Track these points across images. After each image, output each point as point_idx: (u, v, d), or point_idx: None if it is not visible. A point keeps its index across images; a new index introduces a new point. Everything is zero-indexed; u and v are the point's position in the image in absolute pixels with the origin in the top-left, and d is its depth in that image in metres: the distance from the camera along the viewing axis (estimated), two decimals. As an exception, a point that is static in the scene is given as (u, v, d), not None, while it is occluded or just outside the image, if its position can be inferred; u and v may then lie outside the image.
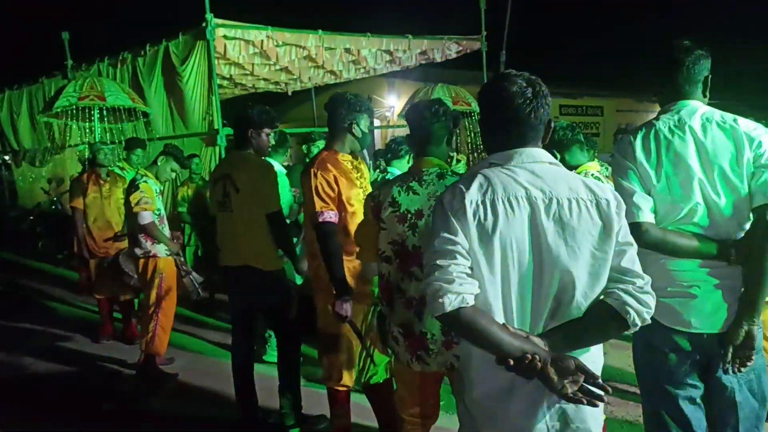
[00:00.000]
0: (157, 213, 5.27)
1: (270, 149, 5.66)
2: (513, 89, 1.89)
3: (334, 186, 3.42)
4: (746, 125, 2.42)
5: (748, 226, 2.41)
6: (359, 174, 3.61)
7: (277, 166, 5.51)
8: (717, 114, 2.46)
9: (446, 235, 1.82)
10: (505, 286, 1.83)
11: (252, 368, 4.25)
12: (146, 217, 5.12)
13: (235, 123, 4.16)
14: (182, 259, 5.54)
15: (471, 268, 1.80)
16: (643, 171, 2.44)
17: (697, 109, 2.47)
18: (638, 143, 2.47)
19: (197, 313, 7.16)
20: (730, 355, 2.38)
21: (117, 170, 6.52)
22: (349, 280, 3.42)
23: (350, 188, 3.47)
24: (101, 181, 6.40)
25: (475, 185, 1.86)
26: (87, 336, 6.57)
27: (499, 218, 1.81)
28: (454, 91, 10.31)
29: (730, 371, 2.41)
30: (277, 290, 4.06)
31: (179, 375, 5.37)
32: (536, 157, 1.91)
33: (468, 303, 1.75)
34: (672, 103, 2.52)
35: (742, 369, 2.40)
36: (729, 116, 2.46)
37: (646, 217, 2.40)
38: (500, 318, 1.82)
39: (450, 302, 1.74)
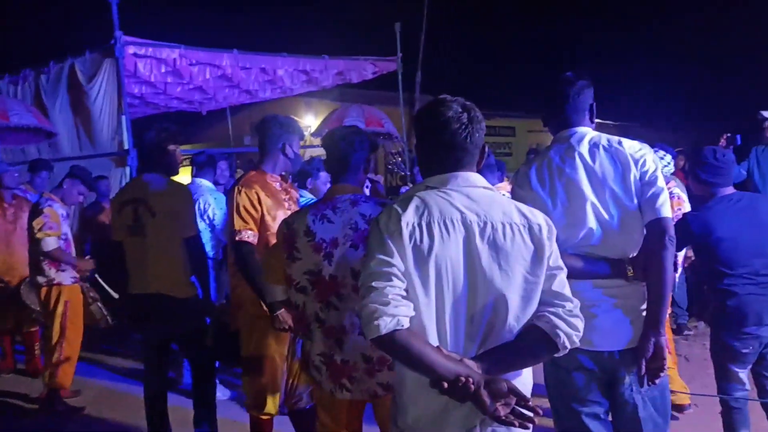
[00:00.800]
0: (63, 238, 5.03)
1: (198, 169, 5.57)
2: (449, 114, 1.91)
3: (257, 206, 3.35)
4: (630, 146, 2.54)
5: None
6: (288, 196, 3.56)
7: (208, 184, 5.44)
8: (603, 138, 2.57)
9: (382, 256, 1.81)
10: (440, 309, 1.82)
11: (166, 400, 4.06)
12: (50, 244, 4.88)
13: (138, 145, 4.03)
14: (88, 285, 5.30)
15: (406, 291, 1.79)
16: (539, 200, 2.51)
17: (584, 135, 2.59)
18: (533, 173, 2.58)
19: (106, 343, 6.85)
20: (643, 368, 2.45)
21: (20, 194, 6.17)
22: None
23: (277, 208, 3.42)
24: (5, 205, 6.02)
25: (411, 207, 1.85)
26: (-16, 370, 6.15)
27: (435, 241, 1.81)
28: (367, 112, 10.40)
29: (645, 384, 2.47)
30: (192, 317, 3.91)
31: (86, 408, 5.10)
32: (472, 181, 1.94)
33: (403, 326, 1.73)
34: (562, 131, 2.65)
35: (656, 381, 2.48)
36: (615, 139, 2.58)
37: None
38: (434, 341, 1.81)
39: (385, 325, 1.72)
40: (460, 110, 1.93)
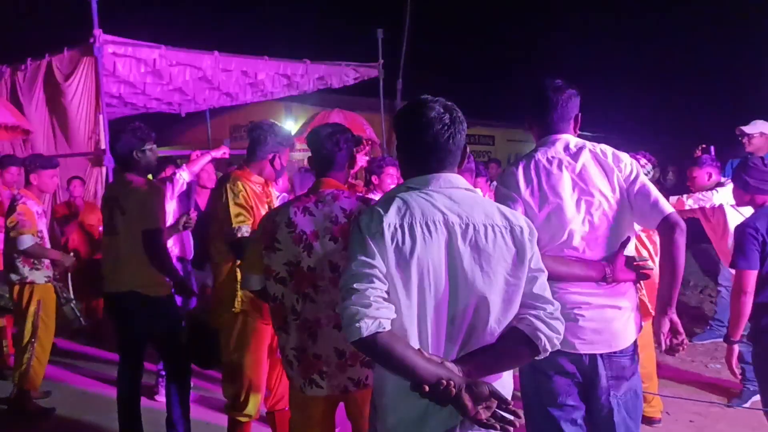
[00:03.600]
0: (39, 235, 4.96)
1: None
2: (431, 115, 1.90)
3: (249, 200, 3.36)
4: (611, 151, 2.65)
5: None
6: (268, 200, 3.57)
7: None
8: (588, 144, 2.65)
9: (363, 258, 1.79)
10: (421, 311, 1.81)
11: (138, 401, 4.02)
12: (26, 241, 4.80)
13: (113, 147, 4.01)
14: (62, 285, 5.23)
15: (388, 292, 1.77)
16: (525, 200, 2.55)
17: (569, 141, 2.66)
18: (520, 174, 2.59)
19: (78, 343, 6.75)
20: (663, 343, 2.55)
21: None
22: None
23: (258, 210, 3.41)
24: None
25: (393, 208, 1.84)
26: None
27: (417, 242, 1.80)
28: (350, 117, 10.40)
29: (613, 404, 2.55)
30: (166, 317, 3.88)
31: (57, 409, 5.02)
32: (453, 182, 1.93)
33: (385, 328, 1.72)
34: (546, 136, 2.69)
35: (681, 350, 2.60)
36: (598, 145, 2.67)
37: None
38: (415, 343, 1.80)
39: (367, 327, 1.70)
40: (442, 111, 1.92)
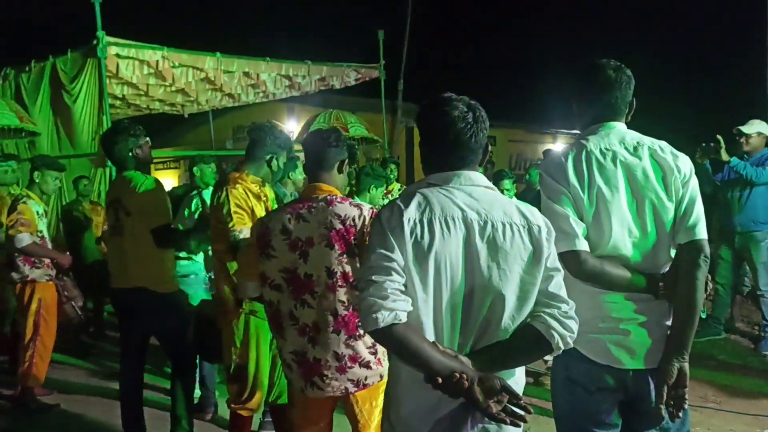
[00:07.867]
0: (39, 235, 5.02)
1: None
2: (455, 114, 1.92)
3: (248, 202, 3.41)
4: (671, 150, 2.37)
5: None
6: (266, 199, 3.61)
7: None
8: (647, 139, 2.38)
9: (383, 251, 1.82)
10: (437, 305, 1.84)
11: (141, 396, 4.06)
12: (23, 240, 4.83)
13: (106, 148, 4.02)
14: (64, 282, 5.28)
15: (405, 286, 1.81)
16: (576, 195, 2.30)
17: (625, 134, 2.38)
18: (570, 165, 2.32)
19: (80, 341, 6.81)
20: (664, 395, 2.24)
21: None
22: None
23: (260, 210, 3.46)
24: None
25: (413, 204, 1.87)
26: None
27: (436, 238, 1.82)
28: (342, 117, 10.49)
29: (664, 413, 2.25)
30: (173, 313, 3.92)
31: (60, 406, 5.05)
32: (474, 180, 1.95)
33: (401, 320, 1.75)
34: (598, 124, 2.41)
35: (680, 414, 2.27)
36: (657, 141, 2.40)
37: (583, 245, 2.25)
38: (430, 336, 1.83)
39: (383, 318, 1.73)
40: (465, 109, 1.94)
